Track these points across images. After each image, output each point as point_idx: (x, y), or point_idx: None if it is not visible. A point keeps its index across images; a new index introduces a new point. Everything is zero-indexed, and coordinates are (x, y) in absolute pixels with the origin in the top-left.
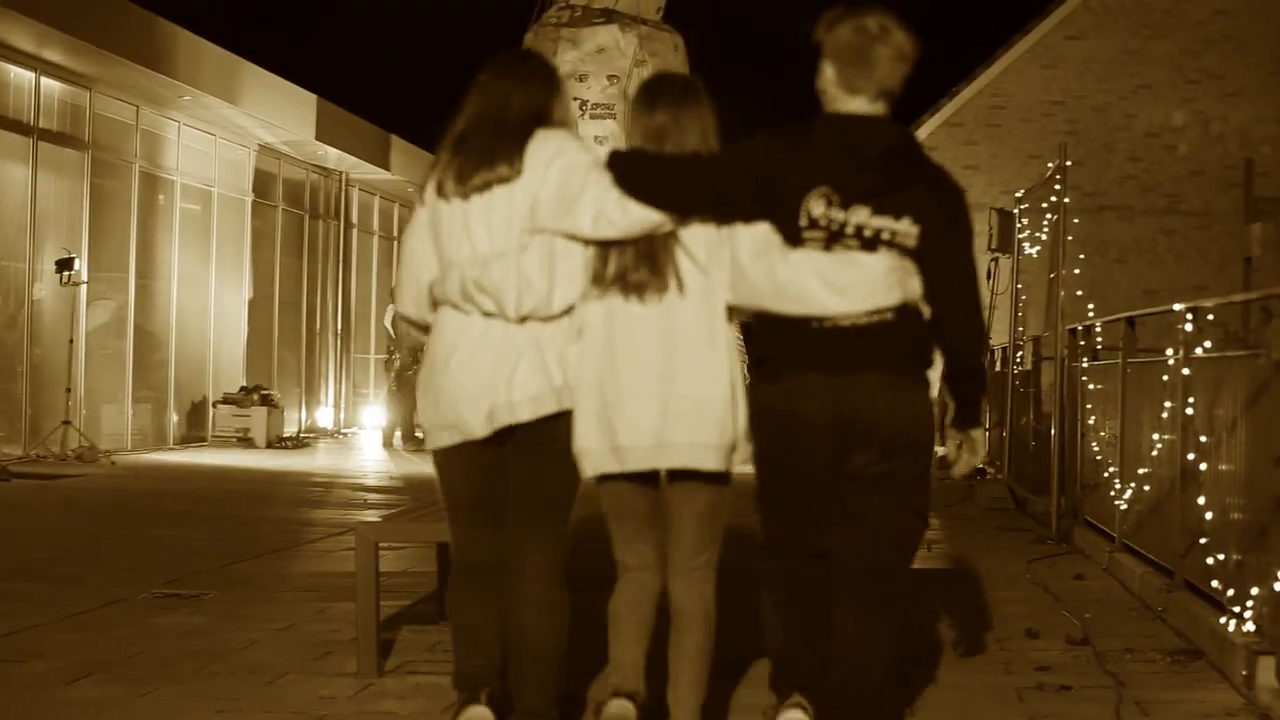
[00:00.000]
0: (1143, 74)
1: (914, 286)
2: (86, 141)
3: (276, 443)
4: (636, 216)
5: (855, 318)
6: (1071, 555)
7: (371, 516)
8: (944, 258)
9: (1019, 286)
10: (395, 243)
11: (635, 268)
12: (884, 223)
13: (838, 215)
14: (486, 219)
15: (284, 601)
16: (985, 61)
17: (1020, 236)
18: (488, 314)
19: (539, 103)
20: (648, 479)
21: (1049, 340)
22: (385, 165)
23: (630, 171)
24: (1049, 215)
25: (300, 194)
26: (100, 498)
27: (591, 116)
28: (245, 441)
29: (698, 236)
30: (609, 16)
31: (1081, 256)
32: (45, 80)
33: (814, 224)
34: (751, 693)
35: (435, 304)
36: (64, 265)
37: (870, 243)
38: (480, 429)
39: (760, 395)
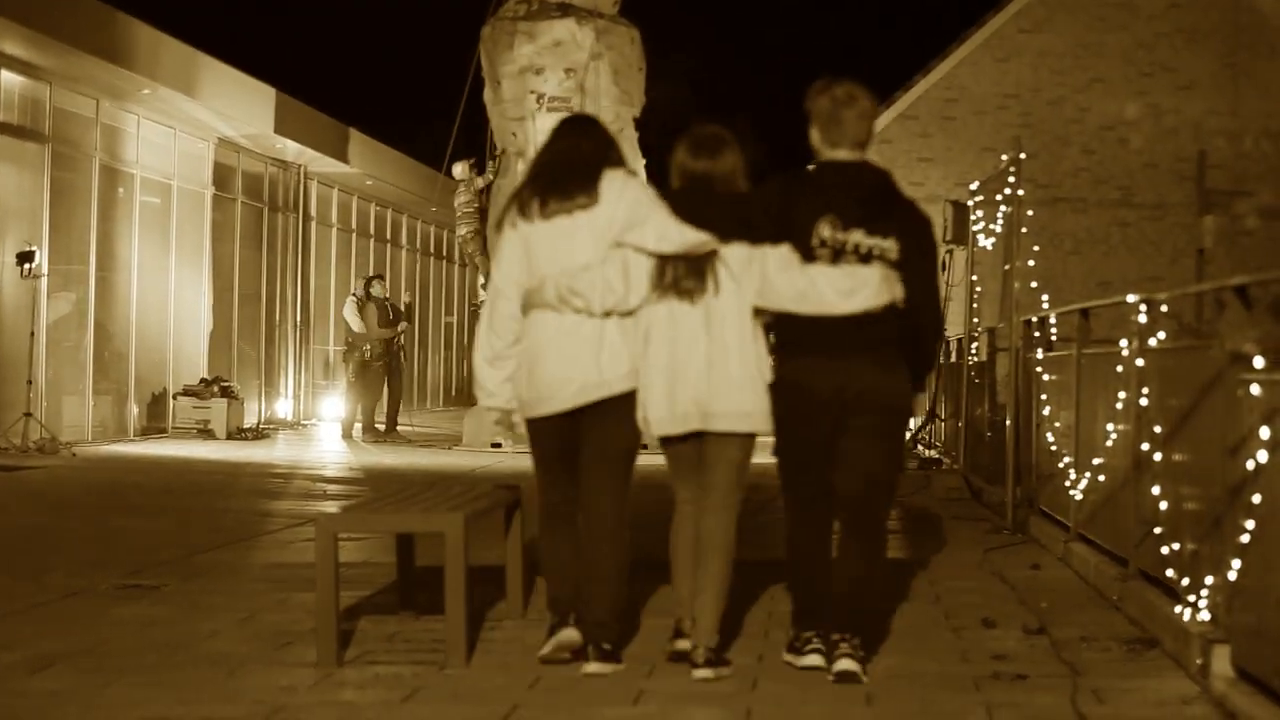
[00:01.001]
0: (1096, 67)
1: (897, 290)
2: (46, 135)
3: (236, 434)
4: (690, 238)
5: (862, 315)
6: (1027, 545)
7: (331, 507)
8: (917, 269)
9: (974, 278)
10: (354, 235)
11: (686, 277)
12: (874, 242)
13: (840, 236)
14: (572, 239)
15: (244, 592)
16: (940, 54)
17: (975, 229)
18: (578, 311)
19: (602, 150)
20: (696, 436)
21: (1004, 332)
22: (344, 158)
23: (683, 206)
24: (1003, 207)
25: (259, 187)
26: (62, 489)
27: (549, 110)
28: (205, 433)
29: (733, 253)
30: (565, 10)
31: (1036, 248)
32: (4, 73)
33: (823, 244)
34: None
35: (525, 310)
36: (24, 258)
37: (865, 257)
38: (569, 403)
39: (782, 372)
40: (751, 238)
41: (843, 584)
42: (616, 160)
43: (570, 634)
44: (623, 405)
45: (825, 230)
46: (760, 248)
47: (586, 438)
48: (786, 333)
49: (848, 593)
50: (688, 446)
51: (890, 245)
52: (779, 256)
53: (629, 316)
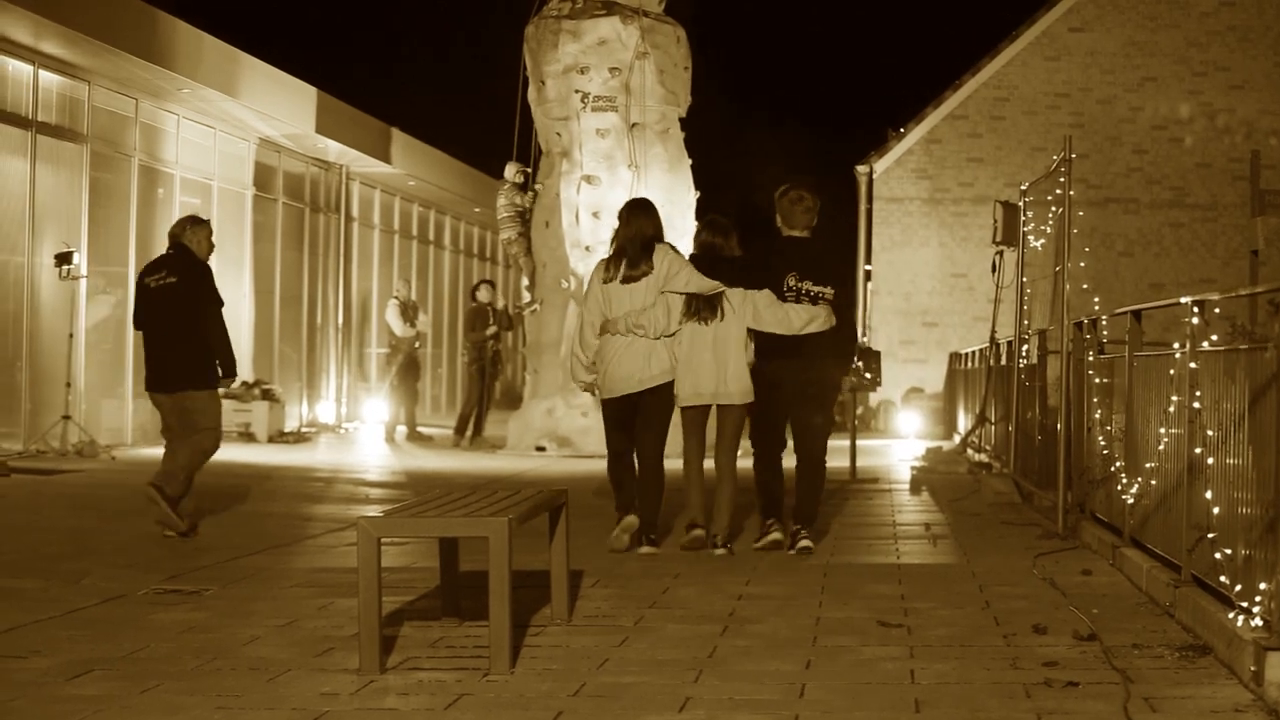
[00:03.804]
0: (1148, 66)
1: (833, 319)
2: (85, 134)
3: (278, 437)
4: (706, 284)
5: (812, 335)
6: (1078, 550)
7: (373, 511)
8: (844, 304)
9: (1024, 280)
10: (396, 236)
11: (702, 309)
12: (819, 289)
13: (799, 285)
14: (635, 293)
15: (286, 597)
16: (989, 53)
17: (1025, 229)
18: (639, 336)
19: (657, 231)
20: (704, 408)
21: (1055, 334)
22: (386, 159)
23: (704, 266)
24: (1054, 208)
25: (301, 187)
26: (100, 493)
27: (593, 109)
28: (246, 436)
29: (733, 294)
30: (610, 8)
31: (1087, 249)
32: (43, 73)
33: (790, 289)
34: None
35: (602, 333)
36: (63, 259)
37: (814, 299)
38: (629, 390)
39: (760, 367)
40: (746, 283)
41: (802, 493)
42: (661, 235)
43: (632, 519)
44: (663, 391)
45: (791, 281)
46: (751, 291)
47: (641, 411)
48: (764, 343)
49: (804, 498)
50: (697, 413)
51: (828, 290)
52: (765, 297)
53: (670, 336)
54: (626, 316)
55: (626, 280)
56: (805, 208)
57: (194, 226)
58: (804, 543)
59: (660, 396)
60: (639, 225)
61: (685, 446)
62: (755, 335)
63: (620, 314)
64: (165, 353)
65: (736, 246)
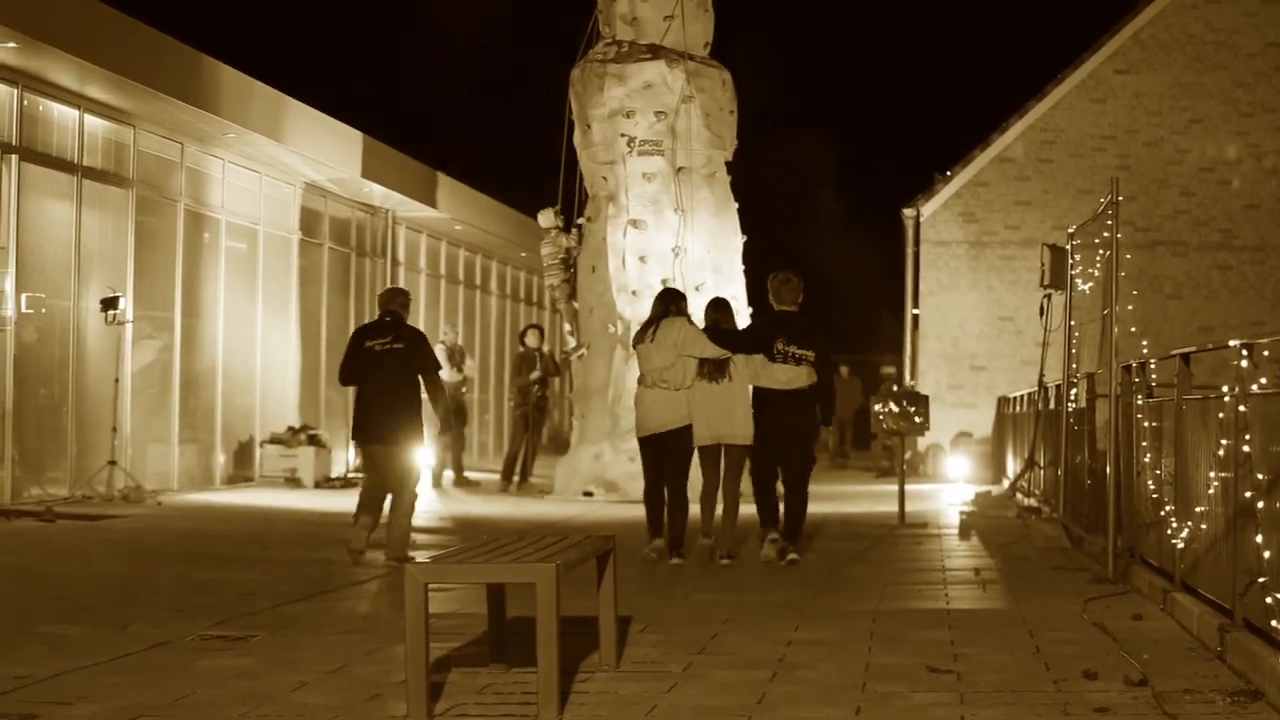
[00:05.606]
0: (1195, 107)
1: (814, 377)
2: (131, 179)
3: (324, 483)
4: (717, 351)
5: (796, 389)
6: (1129, 595)
7: (420, 557)
8: (823, 364)
9: (1072, 323)
10: (442, 280)
11: (713, 370)
12: (803, 352)
13: (786, 349)
14: (657, 352)
15: (333, 643)
16: (1035, 96)
17: (1073, 273)
18: (664, 389)
19: (681, 308)
20: (717, 448)
21: (1103, 378)
22: (432, 203)
23: (714, 338)
24: (1101, 251)
25: (346, 232)
26: (146, 539)
27: (639, 153)
28: (293, 482)
29: (736, 358)
30: (655, 52)
31: (1135, 293)
32: (89, 118)
33: (779, 352)
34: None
35: (639, 383)
36: (109, 304)
37: (798, 360)
38: (656, 431)
39: (759, 416)
40: (746, 350)
41: (788, 516)
42: (684, 311)
43: (660, 543)
44: (684, 434)
45: (780, 345)
46: (751, 356)
47: (667, 451)
48: (760, 396)
49: (790, 521)
50: (712, 451)
51: (810, 353)
52: (760, 360)
53: (687, 390)
54: (653, 372)
55: (653, 341)
56: (791, 287)
57: (402, 296)
58: (791, 555)
59: (682, 439)
60: (665, 305)
61: (704, 480)
62: (754, 392)
63: (648, 369)
64: (384, 409)
65: (734, 321)
